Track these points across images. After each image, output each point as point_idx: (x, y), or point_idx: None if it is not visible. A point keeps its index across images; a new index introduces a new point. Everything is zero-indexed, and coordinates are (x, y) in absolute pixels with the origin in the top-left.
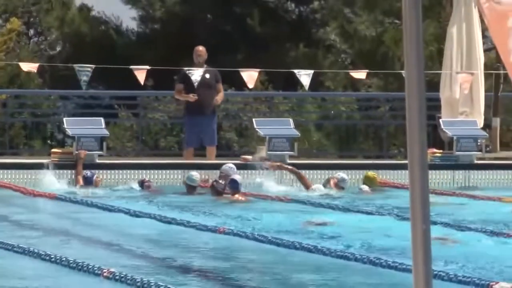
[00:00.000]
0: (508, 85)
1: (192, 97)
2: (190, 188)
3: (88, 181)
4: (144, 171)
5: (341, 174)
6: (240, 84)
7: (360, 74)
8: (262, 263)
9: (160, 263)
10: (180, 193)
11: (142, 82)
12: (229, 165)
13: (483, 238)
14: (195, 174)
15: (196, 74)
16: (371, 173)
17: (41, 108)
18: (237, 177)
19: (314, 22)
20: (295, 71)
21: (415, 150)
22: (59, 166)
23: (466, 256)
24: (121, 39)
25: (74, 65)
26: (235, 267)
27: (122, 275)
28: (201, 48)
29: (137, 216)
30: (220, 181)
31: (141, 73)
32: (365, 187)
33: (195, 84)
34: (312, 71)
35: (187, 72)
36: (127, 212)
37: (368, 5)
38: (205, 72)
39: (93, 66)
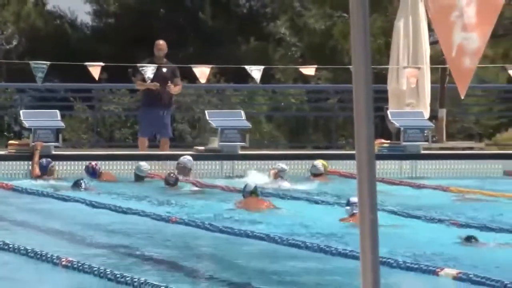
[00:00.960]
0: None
1: (154, 85)
2: (139, 178)
3: (43, 169)
4: (99, 162)
5: (281, 164)
6: (193, 77)
7: (309, 70)
8: (213, 251)
9: (115, 252)
10: (129, 181)
11: (96, 77)
12: (187, 157)
13: (429, 225)
14: (144, 164)
15: (151, 70)
16: (322, 161)
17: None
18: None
19: (264, 16)
20: (246, 67)
21: (363, 141)
22: (15, 157)
23: (413, 243)
24: (76, 33)
25: (30, 61)
26: (187, 255)
27: (79, 264)
28: (161, 42)
29: (93, 206)
30: (172, 174)
31: (95, 69)
32: (319, 163)
33: (151, 78)
34: (262, 67)
35: (141, 67)
36: (83, 202)
37: None
38: (162, 67)
39: (48, 63)
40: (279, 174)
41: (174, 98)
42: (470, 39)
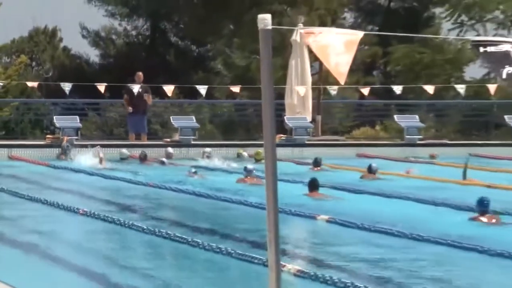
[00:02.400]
0: (326, 95)
1: (129, 109)
2: (122, 159)
3: (64, 151)
4: (104, 149)
5: (208, 149)
6: (162, 95)
7: (235, 89)
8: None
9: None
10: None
11: (103, 94)
12: (169, 149)
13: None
14: (125, 151)
15: (135, 89)
16: (259, 150)
17: (39, 110)
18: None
19: (208, 57)
20: (197, 86)
21: (268, 135)
22: (50, 146)
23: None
24: (89, 68)
25: (61, 83)
26: (162, 211)
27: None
28: (140, 73)
29: (96, 175)
30: (142, 154)
31: (101, 87)
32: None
33: (135, 95)
34: (206, 87)
35: (129, 87)
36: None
37: (241, 45)
38: (139, 88)
39: (70, 84)
40: (206, 155)
41: (149, 108)
42: (342, 58)
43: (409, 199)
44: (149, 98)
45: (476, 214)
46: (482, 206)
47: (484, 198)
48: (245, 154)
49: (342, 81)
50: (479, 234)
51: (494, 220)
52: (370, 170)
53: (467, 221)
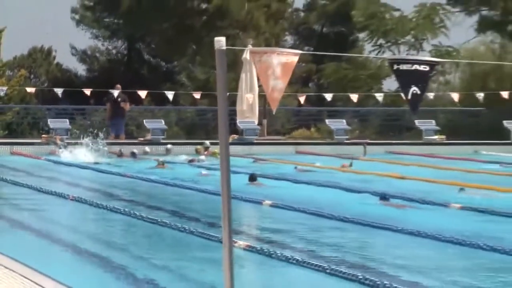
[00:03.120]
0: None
1: (109, 116)
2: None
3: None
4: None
5: (170, 145)
6: (138, 103)
7: (197, 95)
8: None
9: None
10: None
11: (88, 94)
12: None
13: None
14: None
15: (114, 97)
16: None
17: (36, 114)
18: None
19: (174, 72)
20: (166, 92)
21: (223, 135)
22: (45, 143)
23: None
24: (77, 80)
25: (55, 88)
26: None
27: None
28: (118, 85)
29: (83, 167)
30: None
31: (87, 91)
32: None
33: (114, 102)
34: (173, 93)
35: (110, 96)
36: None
37: (201, 62)
38: (118, 96)
39: (62, 89)
40: (167, 150)
41: (126, 113)
42: (277, 83)
43: (337, 188)
44: (126, 105)
45: (387, 201)
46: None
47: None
48: (202, 152)
49: (274, 107)
50: (390, 215)
51: (401, 205)
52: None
53: (380, 205)
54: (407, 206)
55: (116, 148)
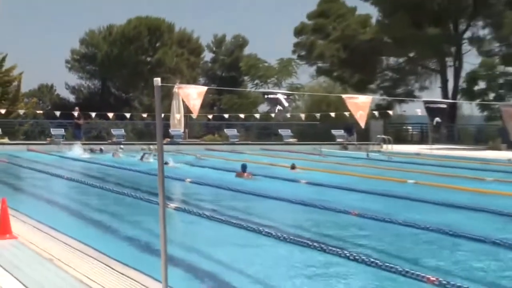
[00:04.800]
0: (190, 120)
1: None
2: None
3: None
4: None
5: (122, 146)
6: (107, 119)
7: (145, 115)
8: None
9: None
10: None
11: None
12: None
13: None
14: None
15: (75, 116)
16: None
17: (43, 125)
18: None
19: (130, 99)
20: (126, 114)
21: (160, 139)
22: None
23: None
24: (69, 105)
25: (55, 111)
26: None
27: (71, 178)
28: (77, 108)
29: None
30: (97, 149)
31: (75, 113)
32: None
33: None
34: (130, 113)
35: (76, 114)
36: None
37: (147, 94)
38: (77, 116)
39: (59, 111)
40: (120, 148)
41: (82, 126)
42: (195, 102)
43: (223, 170)
44: (80, 121)
45: (240, 172)
46: (243, 168)
47: (244, 163)
48: (148, 149)
49: (195, 114)
50: (242, 183)
51: (250, 176)
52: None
53: (235, 178)
54: (250, 176)
55: (93, 147)
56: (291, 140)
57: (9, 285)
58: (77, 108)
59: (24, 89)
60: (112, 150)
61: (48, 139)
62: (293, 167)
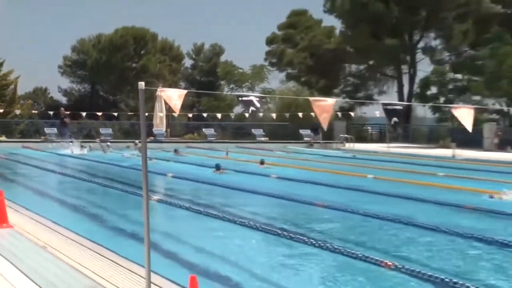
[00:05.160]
0: (172, 119)
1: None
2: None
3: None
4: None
5: (109, 143)
6: (97, 119)
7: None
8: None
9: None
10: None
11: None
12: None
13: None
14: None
15: (61, 116)
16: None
17: (38, 125)
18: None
19: (118, 101)
20: (114, 113)
21: (144, 137)
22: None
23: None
24: (62, 106)
25: (49, 111)
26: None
27: (61, 172)
28: (62, 108)
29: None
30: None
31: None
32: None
33: (61, 119)
34: (117, 113)
35: (59, 115)
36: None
37: (133, 97)
38: (63, 116)
39: (52, 111)
40: (107, 145)
41: (68, 125)
42: (177, 103)
43: (199, 165)
44: (67, 121)
45: (215, 169)
46: (217, 166)
47: (218, 163)
48: (133, 146)
49: (177, 112)
50: (220, 178)
51: (224, 171)
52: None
53: (213, 173)
54: (224, 171)
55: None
56: (263, 138)
57: (6, 270)
58: (62, 108)
59: (20, 91)
60: (101, 147)
61: (42, 137)
62: (262, 162)
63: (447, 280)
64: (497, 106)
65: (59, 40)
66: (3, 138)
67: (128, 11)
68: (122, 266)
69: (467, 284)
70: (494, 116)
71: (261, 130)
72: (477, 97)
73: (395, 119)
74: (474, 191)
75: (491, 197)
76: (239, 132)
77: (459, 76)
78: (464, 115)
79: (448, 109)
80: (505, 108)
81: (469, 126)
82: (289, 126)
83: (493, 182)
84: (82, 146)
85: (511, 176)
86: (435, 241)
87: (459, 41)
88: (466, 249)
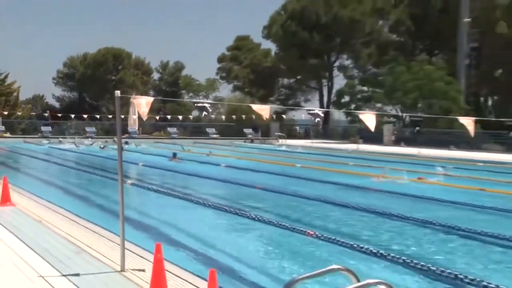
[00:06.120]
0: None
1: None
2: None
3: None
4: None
5: (90, 140)
6: (83, 120)
7: (110, 116)
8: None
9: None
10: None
11: (60, 118)
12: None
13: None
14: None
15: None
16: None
17: (36, 124)
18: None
19: (100, 106)
20: (97, 116)
21: (119, 134)
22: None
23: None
24: (55, 110)
25: (44, 113)
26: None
27: (54, 161)
28: (48, 111)
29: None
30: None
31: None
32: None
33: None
34: (99, 115)
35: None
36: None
37: (112, 102)
38: (48, 117)
39: (47, 113)
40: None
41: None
42: (145, 110)
43: (158, 155)
44: (49, 121)
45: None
46: (174, 155)
47: (175, 151)
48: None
49: (145, 117)
50: (175, 165)
51: (179, 160)
52: (175, 155)
53: (170, 162)
54: (179, 161)
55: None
56: (215, 135)
57: (8, 239)
58: (48, 111)
59: (21, 97)
60: (74, 142)
61: (39, 134)
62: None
63: (344, 240)
64: (394, 112)
65: (54, 57)
66: (8, 134)
67: (108, 34)
68: (101, 235)
69: (351, 242)
70: (392, 119)
71: (214, 129)
72: (379, 105)
73: (318, 119)
74: (368, 175)
75: (377, 179)
76: (196, 130)
77: (365, 88)
78: (368, 118)
79: (357, 114)
80: (399, 113)
81: (372, 127)
82: (235, 126)
83: (383, 169)
84: (72, 142)
85: (400, 164)
86: (343, 214)
87: (365, 62)
88: (359, 218)
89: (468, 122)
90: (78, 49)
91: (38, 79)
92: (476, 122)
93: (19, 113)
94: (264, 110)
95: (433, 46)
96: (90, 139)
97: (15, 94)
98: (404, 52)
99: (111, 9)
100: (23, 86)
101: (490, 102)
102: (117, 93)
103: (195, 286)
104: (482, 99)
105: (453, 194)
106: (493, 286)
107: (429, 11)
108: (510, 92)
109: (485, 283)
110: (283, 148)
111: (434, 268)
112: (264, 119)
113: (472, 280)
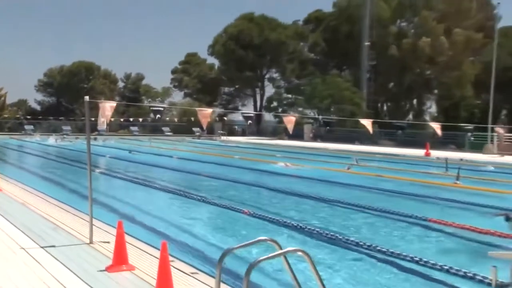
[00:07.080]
0: (110, 121)
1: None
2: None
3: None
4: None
5: (65, 135)
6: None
7: (83, 118)
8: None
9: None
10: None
11: (40, 119)
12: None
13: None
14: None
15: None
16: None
17: (20, 124)
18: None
19: (75, 109)
20: (74, 118)
21: (88, 132)
22: (25, 135)
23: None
24: (36, 112)
25: (27, 116)
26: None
27: (41, 155)
28: (28, 116)
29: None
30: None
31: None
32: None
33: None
34: (74, 118)
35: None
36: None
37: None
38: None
39: (30, 116)
40: (63, 137)
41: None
42: (109, 114)
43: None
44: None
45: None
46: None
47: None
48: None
49: (108, 120)
50: (136, 157)
51: (136, 153)
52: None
53: (129, 154)
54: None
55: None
56: (169, 133)
57: None
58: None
59: (8, 101)
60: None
61: (23, 132)
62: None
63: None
64: (312, 115)
65: (35, 68)
66: None
67: (81, 50)
68: (74, 214)
69: (277, 218)
70: (310, 120)
71: (168, 128)
72: (300, 109)
73: (250, 121)
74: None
75: (285, 165)
76: (153, 129)
77: (290, 96)
78: (289, 120)
79: (282, 116)
80: (316, 116)
81: (290, 129)
82: (186, 125)
83: (299, 159)
84: (54, 138)
85: (311, 155)
86: (278, 198)
87: (289, 75)
88: (274, 197)
89: (368, 123)
90: (56, 62)
91: (22, 86)
92: (374, 123)
93: (6, 115)
94: (206, 113)
95: (342, 63)
96: (65, 136)
97: (2, 98)
98: (320, 68)
99: (85, 29)
100: (10, 92)
101: (385, 108)
102: (86, 98)
103: (151, 254)
104: (379, 105)
105: (357, 179)
106: (385, 249)
107: (338, 36)
108: (399, 100)
109: (379, 248)
110: (225, 143)
111: (341, 237)
112: (204, 121)
113: (369, 246)
